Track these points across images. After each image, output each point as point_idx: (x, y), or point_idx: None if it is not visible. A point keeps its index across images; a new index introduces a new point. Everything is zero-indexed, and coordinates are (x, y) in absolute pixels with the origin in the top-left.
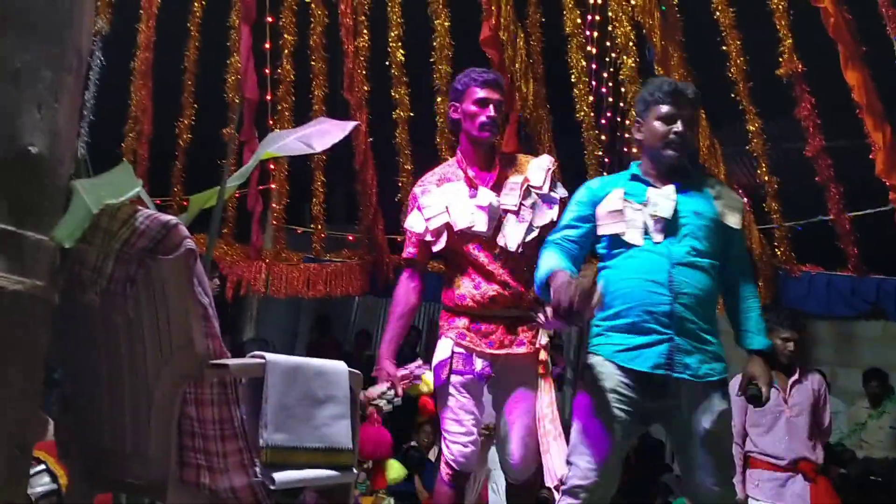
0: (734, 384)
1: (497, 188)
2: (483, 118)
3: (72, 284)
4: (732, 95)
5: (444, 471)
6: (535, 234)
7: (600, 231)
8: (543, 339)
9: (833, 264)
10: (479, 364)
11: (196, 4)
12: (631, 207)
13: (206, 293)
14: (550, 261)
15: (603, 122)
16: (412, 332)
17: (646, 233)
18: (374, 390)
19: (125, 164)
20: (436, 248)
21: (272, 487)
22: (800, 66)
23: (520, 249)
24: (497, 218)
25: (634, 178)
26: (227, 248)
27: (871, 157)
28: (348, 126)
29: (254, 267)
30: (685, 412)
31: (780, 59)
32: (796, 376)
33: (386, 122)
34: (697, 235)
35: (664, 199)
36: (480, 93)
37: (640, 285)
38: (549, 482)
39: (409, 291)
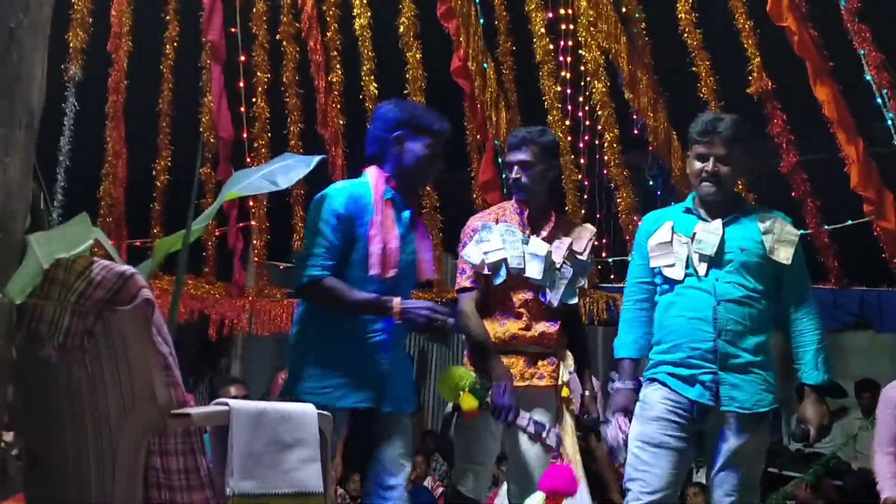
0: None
1: (549, 242)
2: (511, 180)
3: (31, 339)
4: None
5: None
6: (573, 299)
7: (652, 263)
8: (565, 375)
9: (814, 278)
10: None
11: (168, 47)
12: (678, 240)
13: (167, 342)
14: (625, 337)
15: (581, 145)
16: None
17: (689, 267)
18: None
19: (83, 216)
20: (497, 281)
21: None
22: (769, 84)
23: (558, 305)
24: (550, 270)
25: (687, 210)
26: (210, 286)
27: (846, 170)
28: (313, 161)
29: (237, 305)
30: (726, 436)
31: (750, 78)
32: None
33: (363, 155)
34: (742, 272)
35: (709, 234)
36: (508, 156)
37: (686, 323)
38: None
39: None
